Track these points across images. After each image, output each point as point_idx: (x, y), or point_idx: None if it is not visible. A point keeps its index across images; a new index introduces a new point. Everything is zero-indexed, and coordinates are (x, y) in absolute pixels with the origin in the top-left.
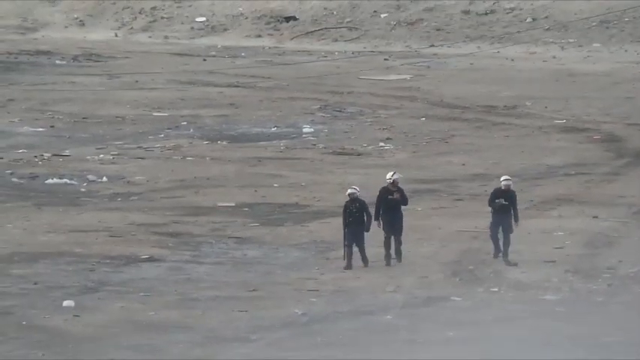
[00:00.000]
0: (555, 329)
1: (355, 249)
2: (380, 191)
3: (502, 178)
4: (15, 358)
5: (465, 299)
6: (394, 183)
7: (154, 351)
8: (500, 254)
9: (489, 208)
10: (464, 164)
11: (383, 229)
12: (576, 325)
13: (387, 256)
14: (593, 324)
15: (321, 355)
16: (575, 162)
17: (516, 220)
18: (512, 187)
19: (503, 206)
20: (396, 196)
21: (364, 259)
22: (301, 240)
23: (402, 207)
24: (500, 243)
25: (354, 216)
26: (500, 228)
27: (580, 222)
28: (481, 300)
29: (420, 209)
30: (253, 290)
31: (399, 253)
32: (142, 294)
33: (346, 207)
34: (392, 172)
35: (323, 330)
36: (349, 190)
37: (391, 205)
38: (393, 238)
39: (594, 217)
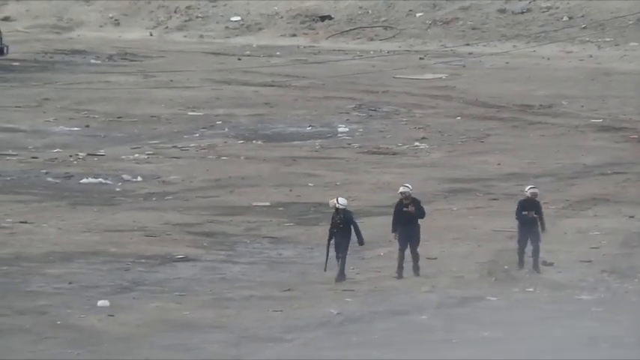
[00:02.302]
0: (591, 329)
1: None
2: (396, 204)
3: (528, 188)
4: (50, 357)
5: (501, 299)
6: (406, 196)
7: (189, 351)
8: (525, 268)
9: (516, 221)
10: (499, 164)
11: (398, 241)
12: (613, 325)
13: (400, 269)
14: (629, 324)
15: (357, 355)
16: (611, 161)
17: (543, 228)
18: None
19: (531, 217)
20: (410, 208)
21: (340, 275)
22: None
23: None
24: (529, 252)
25: (338, 227)
26: (529, 239)
27: (616, 221)
28: (517, 300)
29: (455, 209)
30: (288, 290)
31: (416, 268)
32: (176, 293)
33: (332, 217)
34: (403, 186)
35: (358, 330)
36: (333, 201)
37: (407, 218)
38: (410, 251)
39: (630, 216)
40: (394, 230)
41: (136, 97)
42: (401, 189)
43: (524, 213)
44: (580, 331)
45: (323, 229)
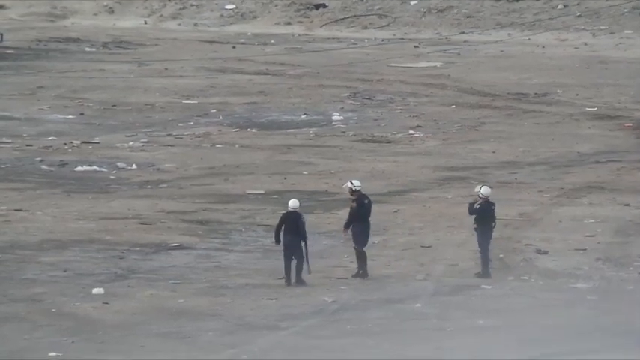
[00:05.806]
0: (586, 317)
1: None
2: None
3: (479, 189)
4: (45, 344)
5: (495, 287)
6: (352, 191)
7: (184, 338)
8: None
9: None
10: (494, 152)
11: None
12: (607, 313)
13: (364, 272)
14: (624, 312)
15: (351, 342)
16: (606, 149)
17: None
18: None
19: (485, 220)
20: (352, 205)
21: (301, 278)
22: (331, 228)
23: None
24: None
25: (293, 227)
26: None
27: (611, 210)
28: (511, 288)
29: (450, 197)
30: (283, 278)
31: (363, 273)
32: (171, 281)
33: (284, 219)
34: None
35: (352, 318)
36: (294, 204)
37: (352, 214)
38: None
39: (625, 204)
40: (347, 227)
41: (130, 86)
42: (349, 184)
43: (476, 205)
44: (575, 319)
45: (317, 218)
